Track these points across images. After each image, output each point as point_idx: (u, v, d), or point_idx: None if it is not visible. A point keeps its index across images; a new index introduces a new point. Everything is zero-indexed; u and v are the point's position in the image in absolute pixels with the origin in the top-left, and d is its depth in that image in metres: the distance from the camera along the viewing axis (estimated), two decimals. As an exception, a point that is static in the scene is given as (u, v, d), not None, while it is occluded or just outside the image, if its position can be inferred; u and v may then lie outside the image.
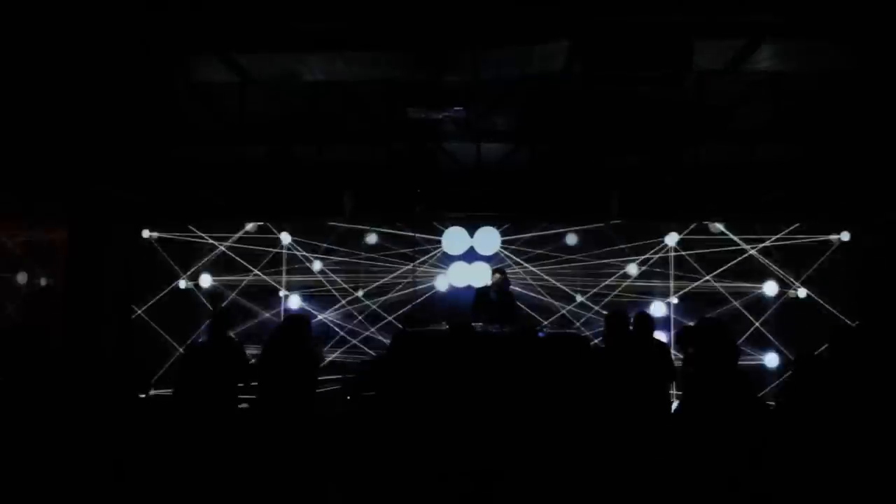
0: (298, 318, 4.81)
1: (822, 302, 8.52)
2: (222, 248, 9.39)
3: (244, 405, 4.62)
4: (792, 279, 8.82)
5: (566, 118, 6.46)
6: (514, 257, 9.30)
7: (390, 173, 7.24)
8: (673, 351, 5.55)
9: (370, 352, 9.09)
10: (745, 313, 8.81)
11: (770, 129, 6.38)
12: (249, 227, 9.41)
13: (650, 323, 4.90)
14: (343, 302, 9.39)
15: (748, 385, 3.22)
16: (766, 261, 8.82)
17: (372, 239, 9.47)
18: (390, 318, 9.28)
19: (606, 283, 9.19)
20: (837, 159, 6.97)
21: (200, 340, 5.51)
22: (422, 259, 9.33)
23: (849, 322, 8.04)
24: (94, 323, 8.42)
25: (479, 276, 9.08)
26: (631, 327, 4.83)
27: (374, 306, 9.38)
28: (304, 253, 9.42)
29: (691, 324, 5.97)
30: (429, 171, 7.10)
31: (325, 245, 9.39)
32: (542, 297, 9.24)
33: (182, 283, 9.38)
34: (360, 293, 9.40)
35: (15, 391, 3.37)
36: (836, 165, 7.05)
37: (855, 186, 7.28)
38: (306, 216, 8.73)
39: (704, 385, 3.13)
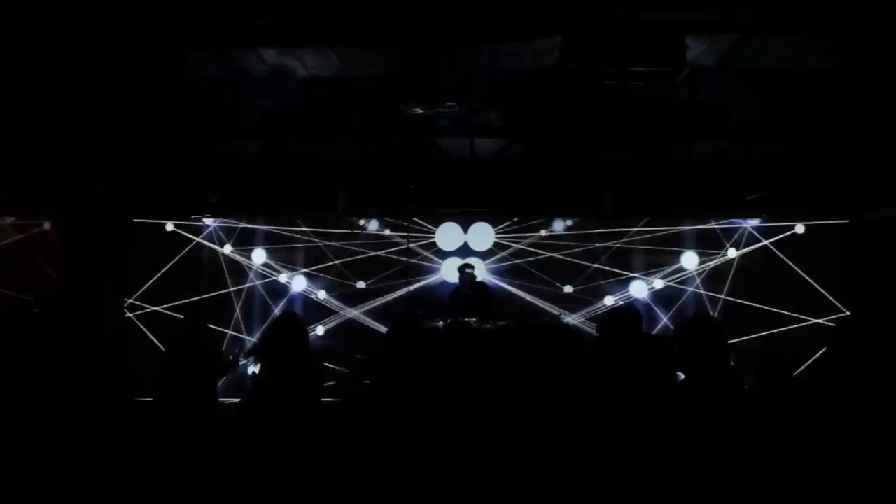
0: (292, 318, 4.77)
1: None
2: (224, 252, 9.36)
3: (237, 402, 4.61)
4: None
5: (560, 114, 6.47)
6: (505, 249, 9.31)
7: (384, 169, 7.24)
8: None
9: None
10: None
11: (762, 126, 6.40)
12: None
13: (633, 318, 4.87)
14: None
15: (737, 382, 3.24)
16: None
17: (373, 225, 9.43)
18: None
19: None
20: (828, 155, 7.01)
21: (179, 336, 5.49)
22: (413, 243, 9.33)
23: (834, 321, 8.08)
24: (90, 322, 8.38)
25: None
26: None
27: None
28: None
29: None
30: (422, 167, 7.10)
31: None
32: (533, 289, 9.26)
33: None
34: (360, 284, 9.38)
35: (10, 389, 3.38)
36: (828, 161, 7.09)
37: (846, 182, 7.32)
38: (300, 211, 8.72)
39: (692, 384, 3.16)
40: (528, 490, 2.97)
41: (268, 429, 3.50)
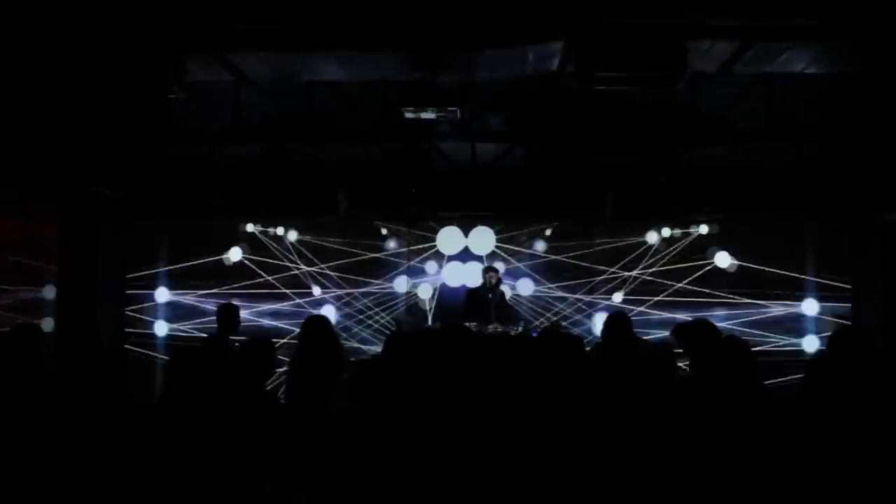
0: (321, 319, 4.76)
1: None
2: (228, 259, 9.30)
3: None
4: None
5: (560, 118, 6.48)
6: (507, 256, 9.31)
7: (385, 172, 7.25)
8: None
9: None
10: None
11: (764, 132, 6.40)
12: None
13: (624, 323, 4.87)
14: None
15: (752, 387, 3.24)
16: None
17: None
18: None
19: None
20: (832, 160, 7.01)
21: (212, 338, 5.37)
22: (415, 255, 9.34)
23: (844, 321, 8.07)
24: (88, 323, 8.39)
25: (474, 275, 9.09)
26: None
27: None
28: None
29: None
30: (423, 171, 7.11)
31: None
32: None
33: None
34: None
35: (11, 392, 3.37)
36: (830, 166, 7.09)
37: (849, 187, 7.31)
38: (300, 215, 8.72)
39: (695, 387, 3.16)
40: (527, 492, 2.96)
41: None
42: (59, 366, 4.20)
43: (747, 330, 8.29)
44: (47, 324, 7.94)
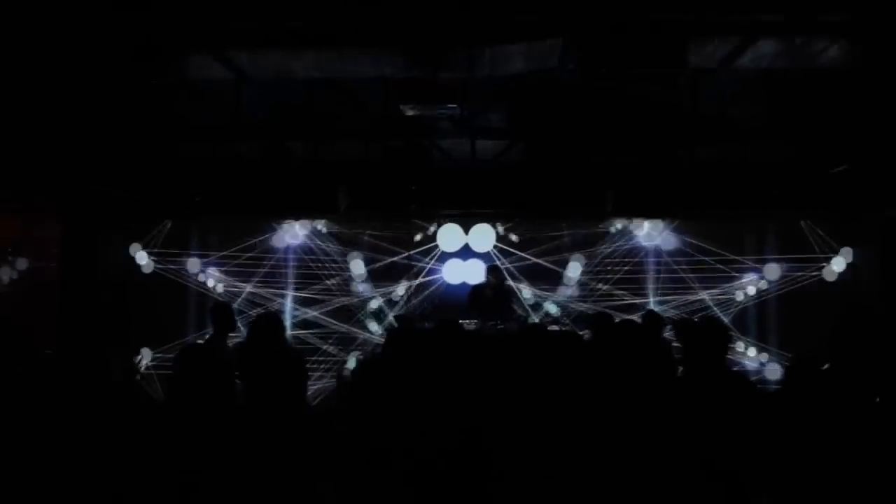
0: (272, 317, 4.65)
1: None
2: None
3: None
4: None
5: (560, 115, 6.47)
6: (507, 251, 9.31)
7: (385, 170, 7.24)
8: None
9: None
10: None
11: (764, 128, 6.40)
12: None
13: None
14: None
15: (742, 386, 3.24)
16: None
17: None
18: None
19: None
20: (832, 157, 7.01)
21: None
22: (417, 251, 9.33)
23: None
24: (88, 322, 8.40)
25: (474, 273, 9.10)
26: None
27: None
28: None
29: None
30: (424, 168, 7.11)
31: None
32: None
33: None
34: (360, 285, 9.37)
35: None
36: (830, 163, 7.08)
37: (850, 184, 7.31)
38: (301, 213, 8.72)
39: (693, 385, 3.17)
40: (524, 490, 2.97)
41: (259, 431, 3.50)
42: (59, 367, 4.20)
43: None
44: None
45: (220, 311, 5.24)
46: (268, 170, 7.04)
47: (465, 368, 3.46)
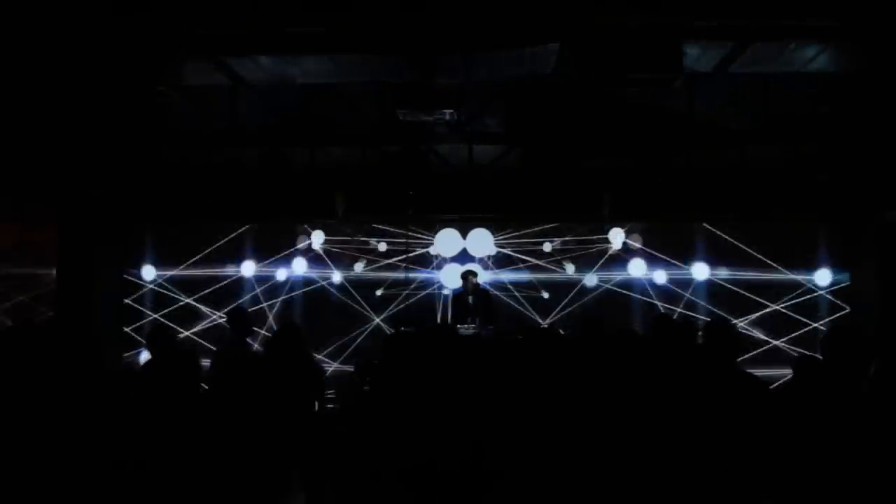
0: (291, 327, 4.66)
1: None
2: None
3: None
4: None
5: (557, 120, 6.49)
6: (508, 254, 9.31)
7: (382, 175, 7.26)
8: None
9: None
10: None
11: (759, 132, 6.43)
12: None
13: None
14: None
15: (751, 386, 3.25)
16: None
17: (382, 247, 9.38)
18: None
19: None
20: (828, 160, 7.03)
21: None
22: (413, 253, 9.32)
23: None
24: (86, 325, 8.39)
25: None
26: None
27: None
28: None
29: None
30: (421, 173, 7.12)
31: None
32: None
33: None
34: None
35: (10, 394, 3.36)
36: (826, 166, 7.11)
37: (845, 187, 7.33)
38: (298, 218, 8.73)
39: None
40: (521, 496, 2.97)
41: (270, 433, 3.50)
42: (59, 368, 4.19)
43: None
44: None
45: (239, 316, 5.08)
46: (266, 174, 7.06)
47: (459, 373, 3.46)
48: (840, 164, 7.02)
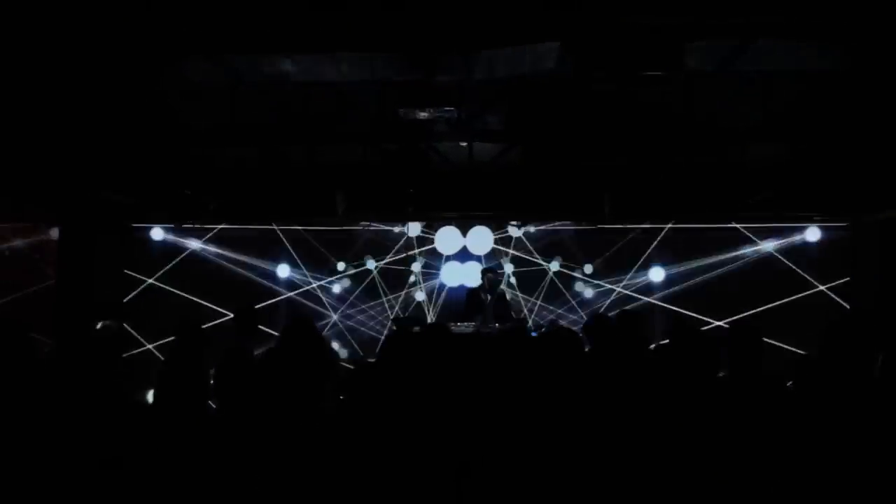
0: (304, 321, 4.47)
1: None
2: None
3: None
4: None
5: (558, 118, 6.48)
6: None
7: (383, 173, 7.24)
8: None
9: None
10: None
11: (760, 130, 6.40)
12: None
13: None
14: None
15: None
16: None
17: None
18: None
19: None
20: (828, 159, 7.01)
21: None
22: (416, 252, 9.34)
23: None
24: (85, 326, 8.38)
25: (472, 275, 9.10)
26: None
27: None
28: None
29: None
30: (421, 171, 7.11)
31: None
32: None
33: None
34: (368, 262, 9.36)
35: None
36: (826, 166, 7.09)
37: (846, 186, 7.31)
38: (299, 216, 8.72)
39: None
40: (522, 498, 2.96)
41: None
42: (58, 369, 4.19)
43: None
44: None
45: (247, 314, 4.89)
46: (266, 174, 7.05)
47: (456, 372, 3.45)
48: (840, 164, 7.00)
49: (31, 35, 4.84)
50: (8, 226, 8.59)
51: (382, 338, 9.16)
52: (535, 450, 3.01)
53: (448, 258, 9.36)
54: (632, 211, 7.65)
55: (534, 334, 6.90)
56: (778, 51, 5.20)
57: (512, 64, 5.58)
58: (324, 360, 4.36)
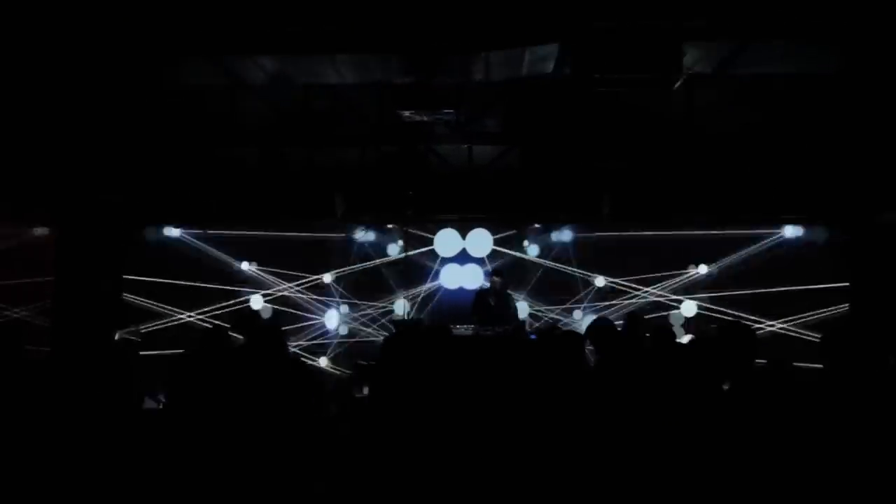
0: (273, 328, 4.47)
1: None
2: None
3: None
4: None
5: (556, 120, 6.49)
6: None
7: (382, 175, 7.25)
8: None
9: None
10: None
11: (756, 132, 6.42)
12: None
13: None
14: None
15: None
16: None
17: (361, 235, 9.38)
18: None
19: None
20: (824, 160, 7.02)
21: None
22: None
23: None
24: (84, 328, 8.37)
25: (472, 277, 9.09)
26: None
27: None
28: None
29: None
30: (420, 173, 7.11)
31: None
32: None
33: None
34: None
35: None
36: (822, 166, 7.10)
37: (841, 188, 7.32)
38: (298, 218, 8.72)
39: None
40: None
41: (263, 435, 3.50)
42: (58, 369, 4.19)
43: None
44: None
45: (247, 321, 4.93)
46: (265, 176, 7.05)
47: (455, 373, 3.44)
48: (839, 164, 7.01)
49: (31, 36, 4.85)
50: (7, 226, 8.57)
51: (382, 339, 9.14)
52: (534, 450, 3.02)
53: (445, 260, 9.35)
54: (631, 212, 7.65)
55: (533, 337, 6.90)
56: (776, 53, 5.21)
57: (510, 66, 5.58)
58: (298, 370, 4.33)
